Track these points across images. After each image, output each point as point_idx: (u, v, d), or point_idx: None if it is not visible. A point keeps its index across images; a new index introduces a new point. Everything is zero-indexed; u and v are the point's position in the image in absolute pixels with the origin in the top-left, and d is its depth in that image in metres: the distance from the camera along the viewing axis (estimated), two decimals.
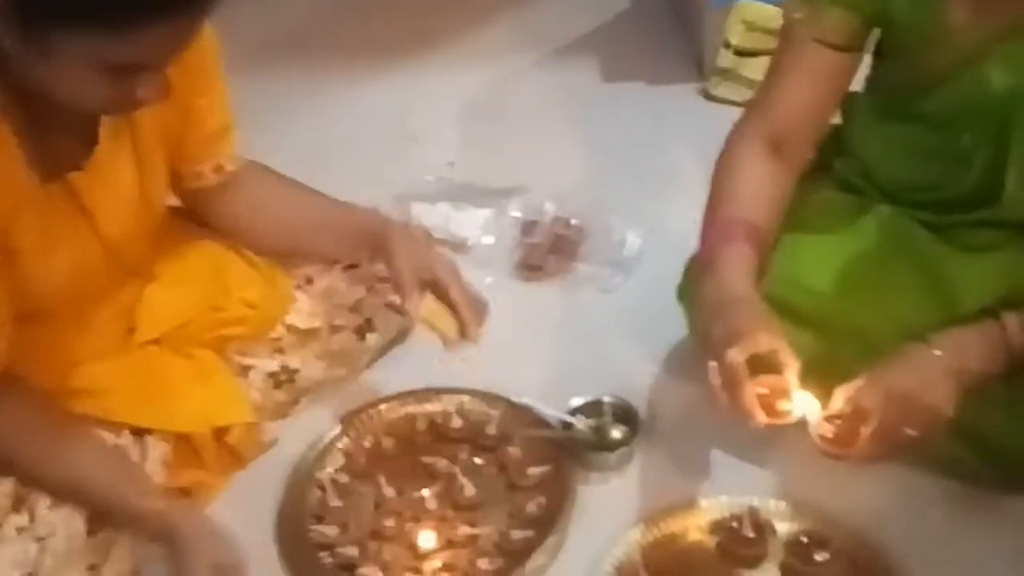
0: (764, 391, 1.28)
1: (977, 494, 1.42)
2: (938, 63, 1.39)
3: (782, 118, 1.46)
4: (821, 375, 1.33)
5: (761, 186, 1.44)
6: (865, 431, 1.24)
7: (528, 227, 1.92)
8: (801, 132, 1.47)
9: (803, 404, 1.28)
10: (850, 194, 1.54)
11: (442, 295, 1.49)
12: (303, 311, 1.63)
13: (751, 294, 1.34)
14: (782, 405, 1.29)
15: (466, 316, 1.50)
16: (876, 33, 1.47)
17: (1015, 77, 1.34)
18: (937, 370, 1.24)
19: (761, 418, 1.26)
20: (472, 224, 1.94)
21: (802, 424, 1.31)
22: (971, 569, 1.37)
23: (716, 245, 1.40)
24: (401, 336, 1.73)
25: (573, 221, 1.92)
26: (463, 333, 1.54)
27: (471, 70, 2.47)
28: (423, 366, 1.68)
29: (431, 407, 1.61)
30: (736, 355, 1.26)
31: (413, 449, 1.57)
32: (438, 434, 1.58)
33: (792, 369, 1.28)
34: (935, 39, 1.38)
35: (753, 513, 1.42)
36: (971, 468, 1.41)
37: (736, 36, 2.37)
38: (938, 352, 1.25)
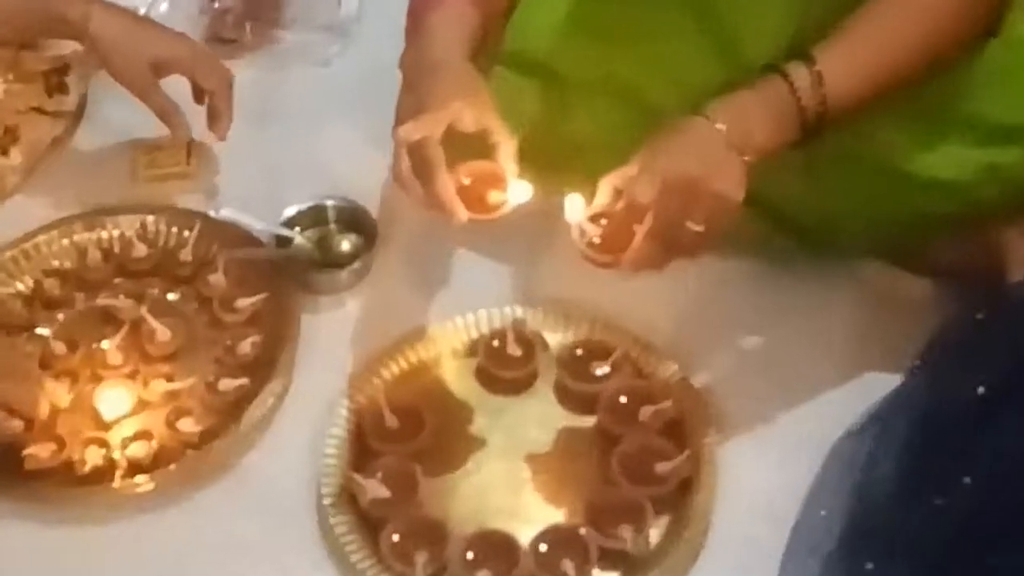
0: (467, 180, 1.27)
1: (776, 271, 1.45)
2: None
3: None
4: (586, 157, 1.31)
5: None
6: (639, 231, 1.20)
7: None
8: None
9: (520, 192, 1.26)
10: None
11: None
12: None
13: (458, 58, 1.31)
14: (494, 196, 1.26)
15: (216, 105, 1.53)
16: None
17: None
18: (721, 148, 1.21)
19: (461, 213, 1.24)
20: None
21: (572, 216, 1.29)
22: (778, 359, 1.41)
23: (429, 2, 1.35)
24: (60, 145, 1.65)
25: None
26: (212, 126, 1.56)
27: None
28: (91, 182, 1.61)
29: (105, 233, 1.56)
30: (410, 132, 1.24)
31: (86, 289, 1.51)
32: (117, 266, 1.53)
33: (506, 151, 1.26)
34: None
35: (518, 326, 1.42)
36: (765, 241, 1.43)
37: None
38: (720, 126, 1.22)
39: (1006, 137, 1.34)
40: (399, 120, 1.29)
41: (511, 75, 1.46)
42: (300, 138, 1.65)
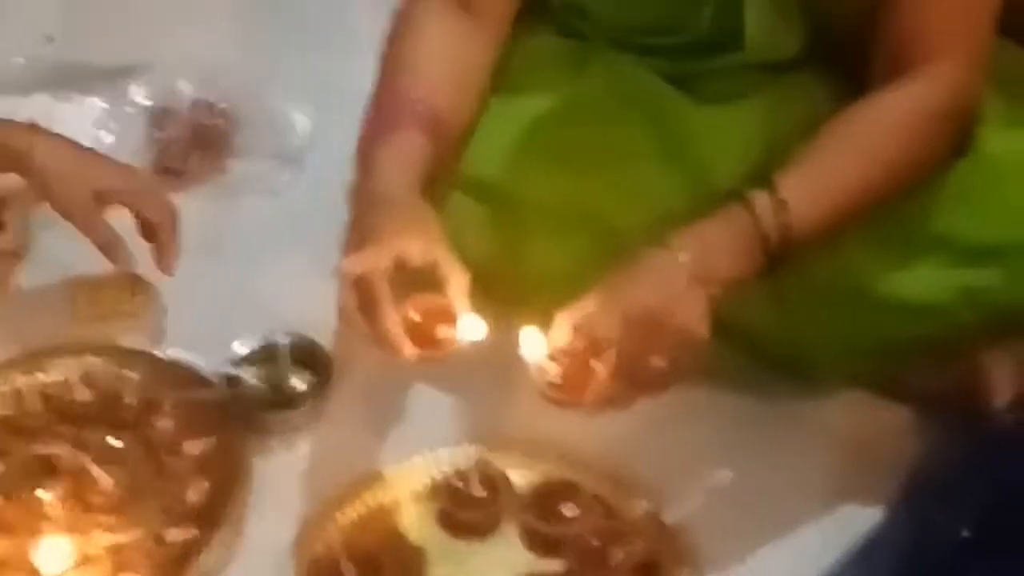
0: (417, 316, 1.29)
1: (747, 402, 1.47)
2: None
3: None
4: (546, 289, 1.33)
5: (445, 54, 1.43)
6: (601, 368, 1.22)
7: (160, 117, 1.85)
8: None
9: (472, 328, 1.28)
10: (570, 39, 1.54)
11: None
12: None
13: (406, 191, 1.34)
14: (446, 332, 1.28)
15: (162, 237, 1.54)
16: None
17: None
18: (683, 281, 1.24)
19: (408, 351, 1.26)
20: (83, 118, 1.85)
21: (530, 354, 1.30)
22: (753, 494, 1.41)
23: (378, 132, 1.39)
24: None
25: (220, 105, 1.86)
26: (158, 261, 1.56)
27: None
28: (29, 323, 1.60)
29: (44, 377, 1.55)
30: (354, 265, 1.27)
31: (24, 436, 1.49)
32: (58, 412, 1.52)
33: (458, 285, 1.28)
34: None
35: (482, 466, 1.42)
36: (737, 371, 1.45)
37: None
38: (683, 257, 1.25)
39: (981, 258, 1.37)
40: (345, 254, 1.32)
41: (467, 201, 1.48)
42: (250, 271, 1.65)
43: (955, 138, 1.36)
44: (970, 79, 1.34)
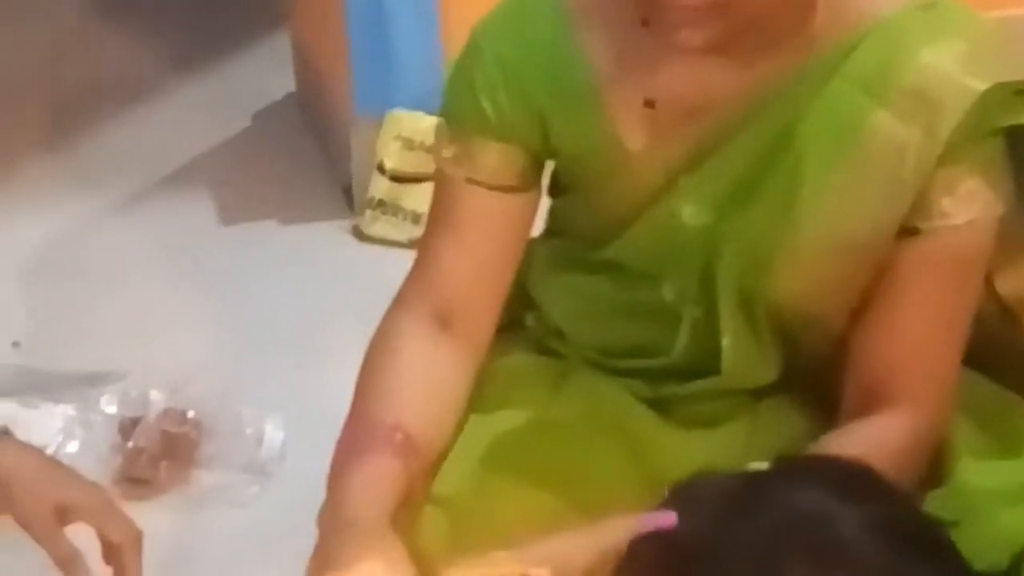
0: None
1: None
2: (619, 199, 1.46)
3: (448, 285, 1.48)
4: None
5: (424, 377, 1.46)
6: None
7: (128, 426, 1.90)
8: (474, 299, 1.49)
9: None
10: (546, 357, 1.59)
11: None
12: None
13: (373, 519, 1.35)
14: None
15: (123, 560, 1.50)
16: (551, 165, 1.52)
17: (710, 211, 1.41)
18: None
19: None
20: (49, 426, 1.92)
21: None
22: None
23: (350, 456, 1.41)
24: None
25: (190, 414, 1.93)
26: None
27: (32, 218, 2.43)
28: None
29: None
30: None
31: None
32: None
33: None
34: (612, 171, 1.44)
35: None
36: None
37: (392, 157, 2.45)
38: None
39: None
40: None
41: (435, 516, 1.47)
42: None
43: (920, 473, 1.41)
44: (936, 419, 1.41)
